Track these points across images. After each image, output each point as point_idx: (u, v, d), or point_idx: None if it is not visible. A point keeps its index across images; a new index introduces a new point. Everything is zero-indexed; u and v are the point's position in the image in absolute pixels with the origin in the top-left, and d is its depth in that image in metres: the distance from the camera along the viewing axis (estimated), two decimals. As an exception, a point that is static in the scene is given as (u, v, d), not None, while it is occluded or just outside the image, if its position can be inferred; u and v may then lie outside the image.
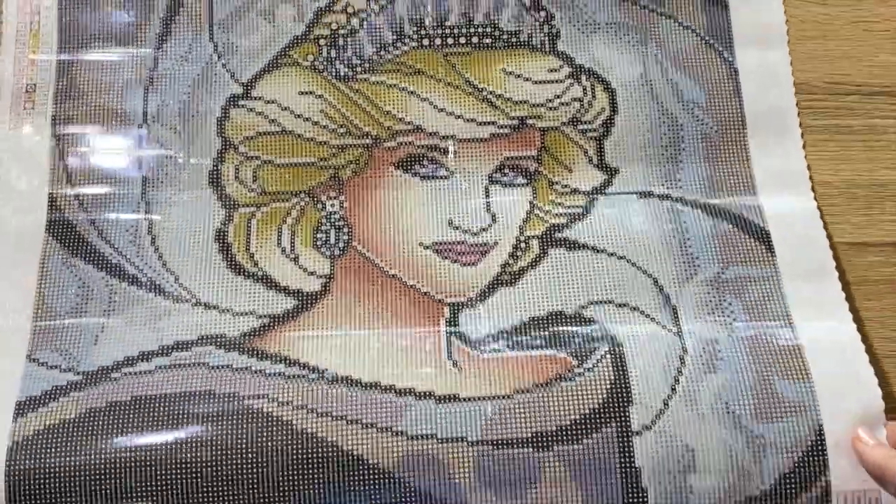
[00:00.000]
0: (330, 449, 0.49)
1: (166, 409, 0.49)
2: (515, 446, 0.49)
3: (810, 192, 0.58)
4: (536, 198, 0.57)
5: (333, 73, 0.58)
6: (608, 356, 0.51)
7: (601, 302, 0.54)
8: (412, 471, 0.49)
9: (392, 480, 0.48)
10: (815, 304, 0.54)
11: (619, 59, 0.60)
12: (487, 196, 0.57)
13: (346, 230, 0.57)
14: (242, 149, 0.57)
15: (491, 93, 0.58)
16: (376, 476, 0.48)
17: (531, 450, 0.49)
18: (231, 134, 0.58)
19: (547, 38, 0.60)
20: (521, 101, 0.58)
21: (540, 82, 0.58)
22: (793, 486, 0.49)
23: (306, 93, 0.58)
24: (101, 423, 0.49)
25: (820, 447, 0.49)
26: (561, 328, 0.53)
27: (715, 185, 0.57)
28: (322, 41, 0.59)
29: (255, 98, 0.58)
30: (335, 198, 0.57)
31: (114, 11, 0.59)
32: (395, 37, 0.59)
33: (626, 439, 0.49)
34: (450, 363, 0.52)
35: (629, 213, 0.57)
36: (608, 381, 0.51)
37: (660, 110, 0.59)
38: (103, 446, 0.48)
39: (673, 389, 0.50)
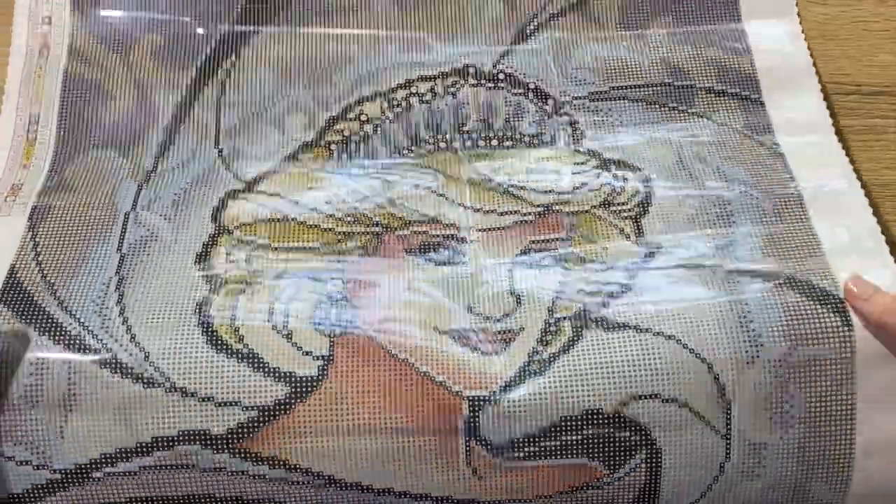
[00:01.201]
0: None
1: None
2: None
3: (889, 255, 0.50)
4: (567, 276, 0.50)
5: (345, 175, 0.55)
6: (643, 465, 0.47)
7: (645, 396, 0.46)
8: None
9: None
10: (885, 401, 0.47)
11: (651, 151, 0.56)
12: (511, 279, 0.50)
13: (350, 310, 0.49)
14: (237, 233, 0.52)
15: (513, 185, 0.53)
16: None
17: None
18: (227, 221, 0.52)
19: (571, 138, 0.57)
20: (545, 191, 0.53)
21: (566, 174, 0.54)
22: None
23: (313, 188, 0.54)
24: None
25: None
26: (596, 432, 0.46)
27: (775, 249, 0.50)
28: (333, 146, 0.56)
29: (258, 192, 0.54)
30: (338, 277, 0.50)
31: (116, 123, 0.57)
32: (410, 141, 0.56)
33: None
34: (469, 471, 0.46)
35: (677, 285, 0.49)
36: (637, 490, 0.48)
37: (701, 188, 0.54)
38: None
39: (703, 495, 0.48)
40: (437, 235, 0.52)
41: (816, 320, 0.47)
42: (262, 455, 0.46)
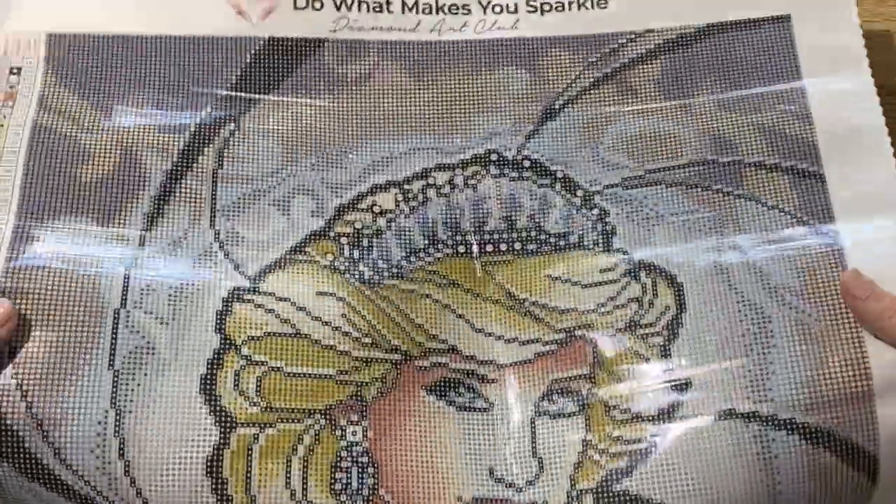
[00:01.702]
0: None
1: None
2: None
3: None
4: (590, 430, 0.48)
5: (356, 276, 0.50)
6: None
7: None
8: None
9: None
10: None
11: (687, 249, 0.51)
12: (534, 433, 0.48)
13: (371, 470, 0.46)
14: (246, 350, 0.47)
15: (534, 304, 0.50)
16: None
17: None
18: (233, 331, 0.48)
19: (601, 236, 0.52)
20: (567, 310, 0.50)
21: (590, 285, 0.51)
22: None
23: (325, 294, 0.49)
24: None
25: None
26: None
27: (818, 395, 0.47)
28: (343, 239, 0.51)
29: (265, 293, 0.49)
30: (357, 423, 0.47)
31: (94, 185, 0.50)
32: (426, 241, 0.52)
33: None
34: None
35: (707, 447, 0.47)
36: None
37: (740, 301, 0.49)
38: None
39: None
40: (457, 371, 0.49)
41: (844, 482, 0.46)
42: None
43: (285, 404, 0.47)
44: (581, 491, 0.47)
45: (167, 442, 0.45)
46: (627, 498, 0.46)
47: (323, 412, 0.47)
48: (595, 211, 0.53)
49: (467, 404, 0.49)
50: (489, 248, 0.52)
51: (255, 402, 0.46)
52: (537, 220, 0.53)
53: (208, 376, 0.47)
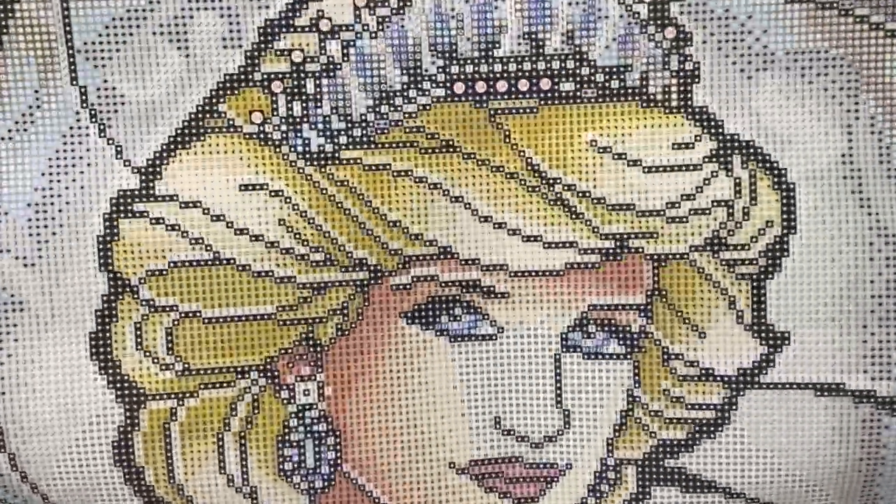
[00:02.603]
0: None
1: None
2: None
3: None
4: (640, 384, 0.35)
5: (300, 149, 0.33)
6: None
7: None
8: None
9: None
10: None
11: (805, 122, 0.33)
12: (559, 374, 0.35)
13: (330, 441, 0.35)
14: (146, 292, 0.34)
15: (570, 187, 0.33)
16: None
17: None
18: (124, 264, 0.33)
19: (676, 79, 0.33)
20: (620, 206, 0.33)
21: (658, 169, 0.33)
22: None
23: (253, 186, 0.33)
24: None
25: None
26: None
27: None
28: (276, 85, 0.33)
29: (163, 197, 0.33)
30: (309, 377, 0.35)
31: None
32: (406, 77, 0.33)
33: None
34: None
35: (797, 426, 0.35)
36: None
37: (874, 227, 0.34)
38: None
39: None
40: (452, 284, 0.34)
41: None
42: None
43: (209, 362, 0.34)
44: (621, 461, 0.36)
45: (57, 427, 0.34)
46: (683, 477, 0.36)
47: (261, 368, 0.34)
48: (669, 32, 0.33)
49: (466, 331, 0.35)
50: (502, 86, 0.34)
51: (168, 363, 0.34)
52: (578, 44, 0.33)
53: (99, 334, 0.34)
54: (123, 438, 0.35)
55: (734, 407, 0.35)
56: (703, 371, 0.35)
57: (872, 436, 0.35)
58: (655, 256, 0.34)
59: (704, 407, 0.35)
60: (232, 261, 0.33)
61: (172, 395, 0.34)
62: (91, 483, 0.35)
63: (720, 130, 0.34)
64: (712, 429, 0.35)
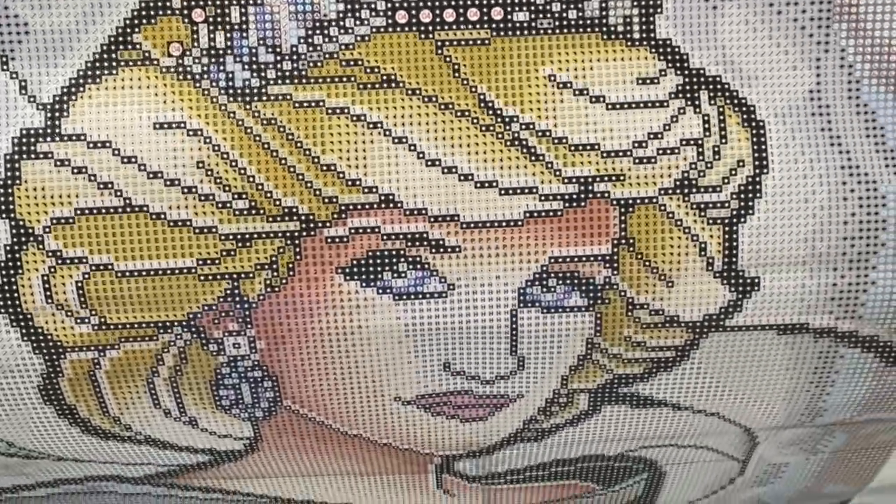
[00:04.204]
0: None
1: None
2: None
3: None
4: (601, 332, 0.32)
5: (222, 83, 0.29)
6: (642, 482, 0.42)
7: (659, 446, 0.39)
8: None
9: None
10: None
11: (773, 56, 0.30)
12: (515, 329, 0.32)
13: (268, 384, 0.33)
14: (52, 242, 0.30)
15: (528, 126, 0.30)
16: None
17: None
18: (27, 212, 0.30)
19: (637, 9, 0.30)
20: (584, 146, 0.30)
21: (622, 105, 0.30)
22: None
23: (169, 125, 0.29)
24: None
25: None
26: (594, 464, 0.40)
27: None
28: (198, 13, 0.29)
29: (70, 137, 0.29)
30: (239, 333, 0.32)
31: None
32: (342, 4, 0.29)
33: None
34: (440, 492, 0.41)
35: (753, 360, 0.33)
36: (632, 496, 0.43)
37: (845, 165, 0.31)
38: None
39: (706, 496, 0.43)
40: (395, 237, 0.31)
41: None
42: (191, 485, 0.40)
43: (126, 317, 0.31)
44: (574, 390, 0.34)
45: None
46: (635, 398, 0.35)
47: (184, 324, 0.31)
48: None
49: (412, 289, 0.31)
50: (449, 15, 0.30)
51: (83, 317, 0.31)
52: None
53: (6, 287, 0.30)
54: (48, 383, 0.32)
55: (695, 347, 0.33)
56: (668, 318, 0.32)
57: (827, 364, 0.35)
58: (622, 201, 0.31)
59: (665, 349, 0.33)
60: (145, 208, 0.30)
61: (92, 348, 0.31)
62: (24, 417, 0.33)
63: (685, 65, 0.31)
64: (670, 365, 0.33)
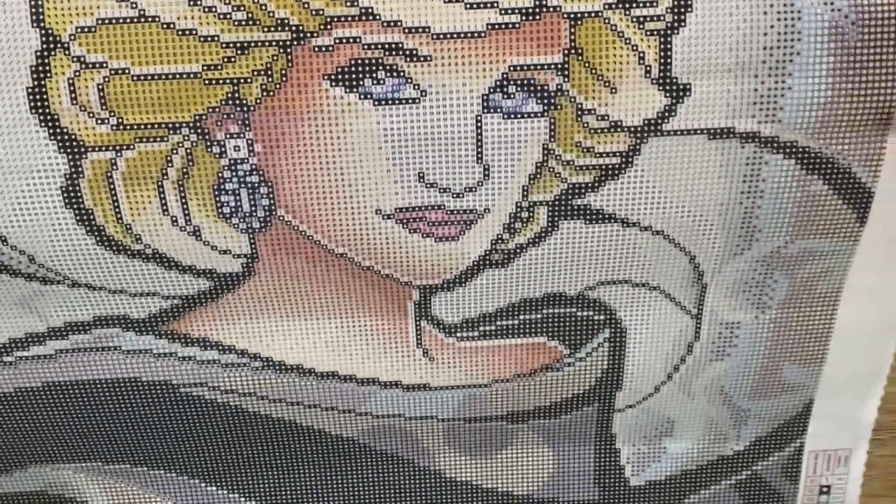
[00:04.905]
0: (287, 427, 0.46)
1: (88, 396, 0.44)
2: (488, 421, 0.47)
3: None
4: (555, 138, 0.37)
5: None
6: (606, 344, 0.45)
7: (614, 282, 0.42)
8: (377, 439, 0.47)
9: (356, 447, 0.47)
10: (875, 289, 0.43)
11: None
12: (480, 133, 0.36)
13: (264, 189, 0.37)
14: (77, 48, 0.34)
15: None
16: (340, 445, 0.47)
17: (505, 423, 0.47)
18: (55, 21, 0.34)
19: None
20: None
21: None
22: (767, 447, 0.49)
23: None
24: (11, 408, 0.44)
25: (804, 416, 0.48)
26: (557, 311, 0.43)
27: (830, 117, 0.37)
28: None
29: None
30: (238, 135, 0.36)
31: None
32: None
33: (606, 415, 0.47)
34: (419, 352, 0.44)
35: (689, 166, 0.37)
36: (599, 371, 0.45)
37: None
38: (18, 436, 0.45)
39: (669, 377, 0.46)
40: (375, 47, 0.35)
41: (831, 216, 0.40)
42: (191, 336, 0.43)
43: (141, 118, 0.35)
44: (534, 202, 0.38)
45: (7, 173, 0.36)
46: (588, 214, 0.39)
47: (191, 125, 0.36)
48: None
49: (389, 95, 0.36)
50: None
51: (103, 118, 0.35)
52: None
53: (37, 89, 0.35)
54: (70, 185, 0.36)
55: (637, 153, 0.37)
56: (613, 123, 0.37)
57: (754, 171, 0.38)
58: (572, 15, 0.35)
59: (611, 154, 0.37)
60: (157, 18, 0.34)
61: (110, 147, 0.36)
62: (46, 225, 0.37)
63: None
64: (617, 172, 0.38)
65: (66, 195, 0.37)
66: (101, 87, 0.35)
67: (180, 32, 0.34)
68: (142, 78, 0.35)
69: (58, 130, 0.35)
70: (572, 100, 0.36)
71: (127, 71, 0.35)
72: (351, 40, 0.35)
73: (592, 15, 0.35)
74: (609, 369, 0.45)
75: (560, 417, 0.47)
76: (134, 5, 0.34)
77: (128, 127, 0.35)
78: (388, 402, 0.45)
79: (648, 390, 0.46)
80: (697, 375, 0.45)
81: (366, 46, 0.35)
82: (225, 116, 0.36)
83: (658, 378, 0.45)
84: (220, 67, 0.35)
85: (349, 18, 0.35)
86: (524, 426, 0.47)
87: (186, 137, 0.36)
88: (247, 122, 0.36)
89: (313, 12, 0.35)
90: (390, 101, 0.36)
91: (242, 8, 0.34)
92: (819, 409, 0.47)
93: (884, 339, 0.45)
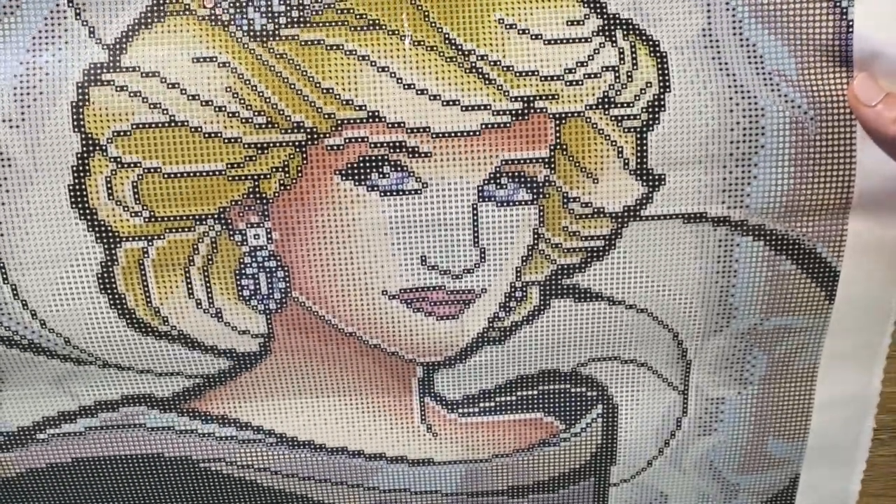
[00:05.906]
0: (300, 501, 0.48)
1: (114, 471, 0.47)
2: (490, 496, 0.49)
3: None
4: (544, 223, 0.41)
5: (245, 28, 0.38)
6: (599, 419, 0.47)
7: (605, 359, 0.45)
8: None
9: None
10: (851, 358, 0.46)
11: (673, 4, 0.39)
12: (476, 220, 0.40)
13: (280, 273, 0.41)
14: (113, 150, 0.39)
15: (483, 58, 0.38)
16: None
17: (506, 498, 0.49)
18: (94, 126, 0.38)
19: None
20: (526, 73, 0.39)
21: (556, 41, 0.39)
22: None
23: (204, 59, 0.38)
24: (44, 483, 0.47)
25: (791, 490, 0.50)
26: (552, 387, 0.46)
27: (794, 202, 0.41)
28: None
29: (127, 69, 0.38)
30: (258, 224, 0.40)
31: None
32: None
33: (602, 489, 0.49)
34: (423, 427, 0.47)
35: (667, 248, 0.41)
36: (594, 446, 0.48)
37: (731, 85, 0.39)
38: None
39: (661, 451, 0.48)
40: (380, 145, 0.39)
41: (801, 293, 0.43)
42: (210, 414, 0.45)
43: (171, 211, 0.39)
44: (527, 282, 0.42)
45: (49, 262, 0.40)
46: (577, 291, 0.42)
47: (216, 216, 0.40)
48: None
49: (394, 187, 0.40)
50: None
51: (136, 211, 0.39)
52: None
53: (77, 186, 0.39)
54: (105, 272, 0.40)
55: (619, 236, 0.41)
56: (596, 210, 0.40)
57: (727, 252, 0.42)
58: (557, 115, 0.39)
59: (595, 238, 0.41)
60: (186, 123, 0.38)
61: (143, 237, 0.40)
62: (82, 309, 0.41)
63: (604, 11, 0.39)
64: (601, 254, 0.41)
65: (101, 281, 0.40)
66: (135, 184, 0.39)
67: (207, 135, 0.38)
68: (172, 176, 0.39)
69: (95, 223, 0.39)
70: (559, 189, 0.40)
71: (159, 170, 0.39)
72: (359, 140, 0.39)
73: (575, 115, 0.39)
74: (603, 444, 0.47)
75: (558, 492, 0.49)
76: (165, 111, 0.38)
77: (159, 219, 0.39)
78: (395, 477, 0.47)
79: (641, 464, 0.48)
80: (687, 450, 0.48)
81: (373, 145, 0.39)
82: (246, 208, 0.40)
83: (650, 452, 0.48)
84: (242, 165, 0.39)
85: (358, 121, 0.39)
86: (524, 501, 0.49)
87: (211, 227, 0.40)
88: (266, 213, 0.40)
89: (326, 115, 0.39)
90: (395, 193, 0.40)
91: (263, 113, 0.38)
92: (808, 483, 0.49)
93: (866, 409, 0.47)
